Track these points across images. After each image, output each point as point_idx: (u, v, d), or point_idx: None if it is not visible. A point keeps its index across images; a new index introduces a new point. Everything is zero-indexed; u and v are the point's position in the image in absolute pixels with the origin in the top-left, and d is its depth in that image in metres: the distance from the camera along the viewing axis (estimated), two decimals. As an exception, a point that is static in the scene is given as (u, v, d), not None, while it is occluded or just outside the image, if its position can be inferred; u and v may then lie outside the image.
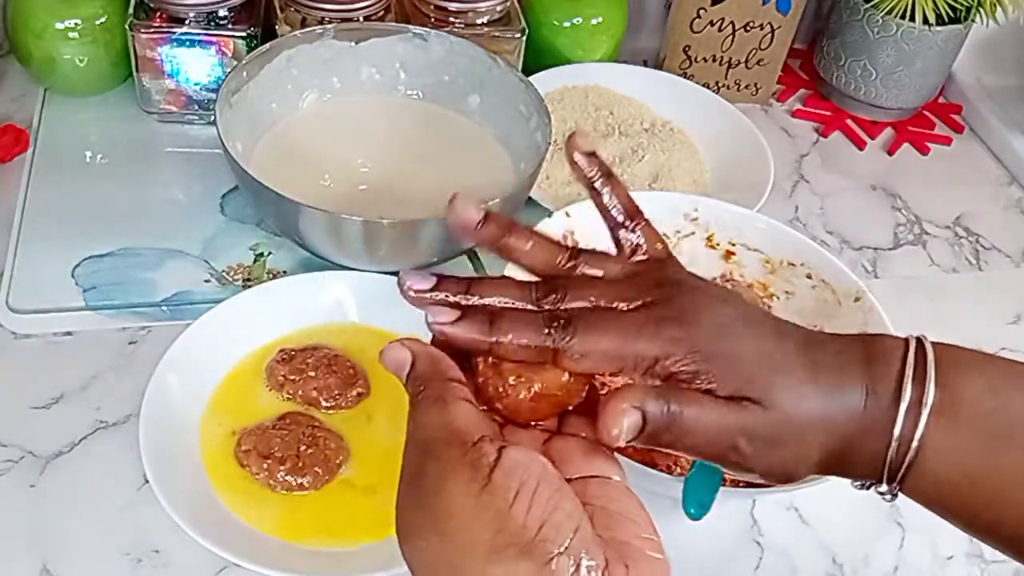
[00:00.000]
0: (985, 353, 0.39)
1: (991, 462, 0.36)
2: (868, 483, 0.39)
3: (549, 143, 0.71)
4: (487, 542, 0.31)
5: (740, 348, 0.37)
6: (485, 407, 0.38)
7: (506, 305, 0.38)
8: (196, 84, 0.81)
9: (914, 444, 0.36)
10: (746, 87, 0.98)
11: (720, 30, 0.93)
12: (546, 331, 0.36)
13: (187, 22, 0.77)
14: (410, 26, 0.78)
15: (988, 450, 0.36)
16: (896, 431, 0.36)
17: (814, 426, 0.37)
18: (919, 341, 0.38)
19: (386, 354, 0.37)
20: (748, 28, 0.93)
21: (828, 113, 0.99)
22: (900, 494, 0.39)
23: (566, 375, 0.37)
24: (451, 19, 0.81)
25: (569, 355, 0.36)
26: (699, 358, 0.36)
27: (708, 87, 0.93)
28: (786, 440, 0.36)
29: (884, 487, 0.38)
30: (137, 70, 0.79)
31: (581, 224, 0.66)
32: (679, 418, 0.35)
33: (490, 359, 0.38)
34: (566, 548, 0.31)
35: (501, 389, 0.37)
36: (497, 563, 0.31)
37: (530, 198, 0.74)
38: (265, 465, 0.58)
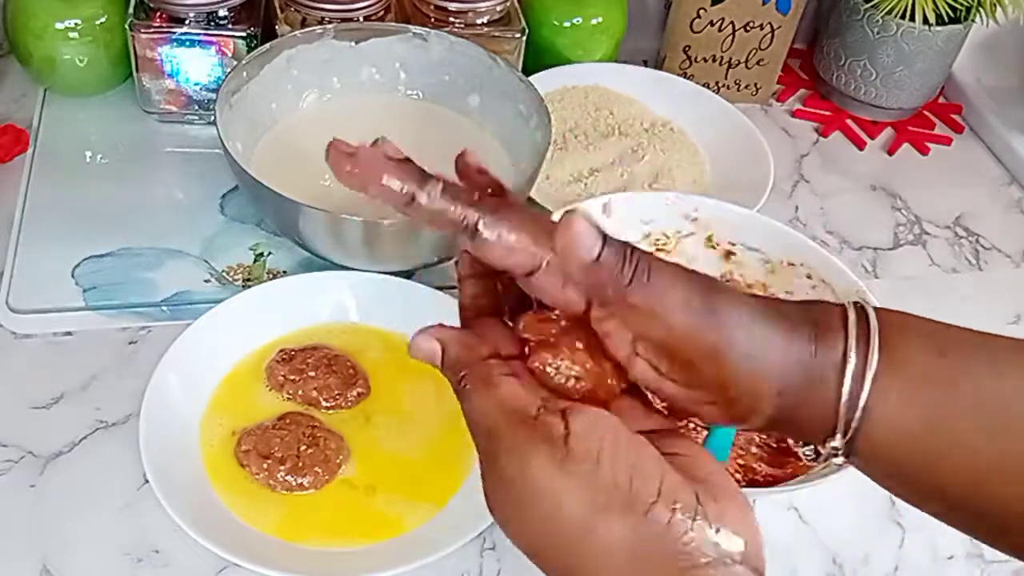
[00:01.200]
0: (929, 319, 0.38)
1: (936, 423, 0.36)
2: (816, 449, 0.38)
3: (549, 143, 0.71)
4: (586, 510, 0.31)
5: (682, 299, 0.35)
6: None
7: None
8: (196, 84, 0.81)
9: (859, 408, 0.35)
10: (746, 87, 0.98)
11: (720, 30, 0.93)
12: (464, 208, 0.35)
13: (187, 22, 0.77)
14: (410, 26, 0.78)
15: (933, 412, 0.36)
16: (844, 396, 0.35)
17: (770, 372, 0.35)
18: (860, 307, 0.37)
19: (415, 346, 0.37)
20: (748, 28, 0.93)
21: (828, 113, 0.99)
22: (851, 464, 0.38)
23: (609, 378, 0.37)
24: (451, 19, 0.81)
25: (479, 234, 0.35)
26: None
27: (708, 87, 0.93)
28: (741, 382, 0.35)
29: (836, 450, 0.37)
30: (137, 70, 0.79)
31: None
32: (644, 264, 0.34)
33: (529, 358, 0.37)
34: (659, 495, 0.32)
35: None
36: (601, 526, 0.31)
37: (530, 198, 0.74)
38: (265, 465, 0.58)
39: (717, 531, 0.32)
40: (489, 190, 0.39)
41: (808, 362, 0.36)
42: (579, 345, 0.37)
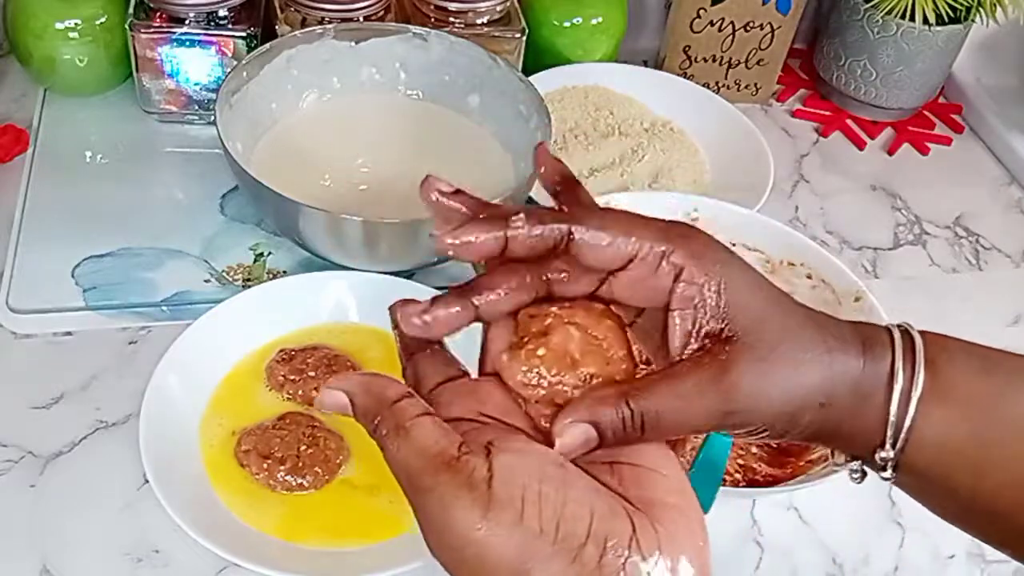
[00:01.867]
0: (973, 343, 0.39)
1: (983, 438, 0.36)
2: (862, 468, 0.39)
3: (549, 143, 0.71)
4: (513, 560, 0.31)
5: (753, 284, 0.36)
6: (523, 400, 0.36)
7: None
8: (196, 84, 0.81)
9: (907, 421, 0.36)
10: (746, 87, 0.98)
11: (720, 30, 0.93)
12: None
13: (187, 22, 0.77)
14: (410, 26, 0.78)
15: (980, 427, 0.36)
16: (892, 411, 0.36)
17: (814, 389, 0.36)
18: (905, 329, 0.38)
19: (322, 401, 0.35)
20: (748, 28, 0.93)
21: (828, 113, 0.99)
22: (894, 484, 0.39)
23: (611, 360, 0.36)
24: (451, 19, 0.81)
25: (580, 234, 0.35)
26: (712, 271, 0.35)
27: (708, 87, 0.93)
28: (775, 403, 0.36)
29: (885, 461, 0.37)
30: (137, 70, 0.79)
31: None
32: (654, 420, 0.34)
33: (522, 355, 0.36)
34: (588, 535, 0.31)
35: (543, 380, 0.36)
36: (529, 574, 0.31)
37: (530, 198, 0.74)
38: (265, 465, 0.58)
39: (655, 563, 0.31)
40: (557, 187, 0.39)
41: (857, 376, 0.36)
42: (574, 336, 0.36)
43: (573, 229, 0.35)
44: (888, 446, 0.36)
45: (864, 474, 0.39)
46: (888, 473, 0.37)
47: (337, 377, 0.36)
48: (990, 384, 0.37)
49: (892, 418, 0.36)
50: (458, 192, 0.37)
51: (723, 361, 0.35)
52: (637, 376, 0.36)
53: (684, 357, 0.36)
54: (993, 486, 0.37)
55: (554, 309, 0.37)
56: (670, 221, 0.37)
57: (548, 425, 0.35)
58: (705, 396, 0.34)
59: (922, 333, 0.38)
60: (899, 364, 0.36)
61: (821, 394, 0.36)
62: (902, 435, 0.36)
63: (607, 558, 0.31)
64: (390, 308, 0.36)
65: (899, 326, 0.38)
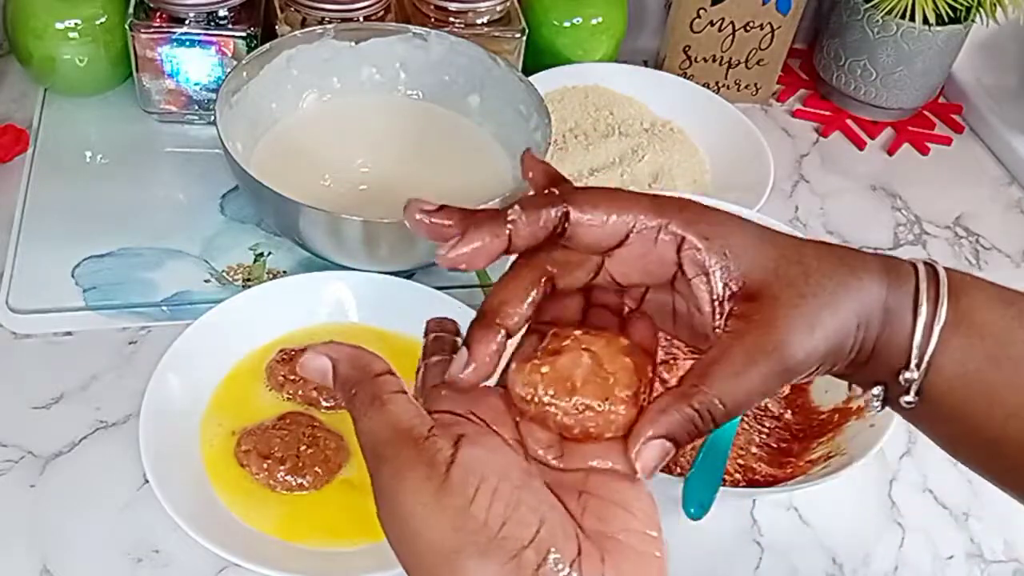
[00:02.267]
0: (992, 285, 0.39)
1: (1003, 356, 0.37)
2: (882, 394, 0.39)
3: (549, 143, 0.71)
4: (448, 541, 0.31)
5: (757, 238, 0.37)
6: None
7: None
8: (196, 84, 0.81)
9: (928, 352, 0.37)
10: (746, 87, 0.98)
11: (720, 30, 0.93)
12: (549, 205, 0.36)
13: (187, 22, 0.77)
14: (410, 26, 0.78)
15: (1000, 349, 0.37)
16: (917, 331, 0.37)
17: (852, 315, 0.36)
18: (929, 263, 0.38)
19: (304, 363, 0.36)
20: (748, 28, 0.93)
21: (828, 113, 0.99)
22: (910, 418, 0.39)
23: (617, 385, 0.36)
24: (451, 19, 0.81)
25: (576, 212, 0.36)
26: (713, 234, 0.36)
27: (708, 87, 0.93)
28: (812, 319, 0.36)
29: (909, 382, 0.38)
30: (137, 70, 0.79)
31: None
32: (715, 412, 0.34)
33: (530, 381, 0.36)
34: (532, 541, 0.31)
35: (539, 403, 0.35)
36: (458, 562, 0.30)
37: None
38: (265, 465, 0.58)
39: None
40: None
41: (885, 297, 0.37)
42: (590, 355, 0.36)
43: (569, 208, 0.36)
44: (913, 366, 0.37)
45: (886, 401, 0.39)
46: (911, 396, 0.37)
47: (325, 343, 0.36)
48: (1008, 314, 0.37)
49: (917, 341, 0.37)
50: (442, 208, 0.36)
51: (760, 322, 0.35)
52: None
53: (720, 329, 0.36)
54: (1004, 414, 0.37)
55: (578, 333, 0.37)
56: (659, 194, 0.37)
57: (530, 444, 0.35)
58: (759, 363, 0.34)
59: (945, 269, 0.39)
60: (923, 294, 0.37)
61: (857, 317, 0.36)
62: (926, 358, 0.37)
63: (545, 568, 0.30)
64: (428, 322, 0.39)
65: (924, 261, 0.38)
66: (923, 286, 0.37)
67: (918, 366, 0.37)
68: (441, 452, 0.32)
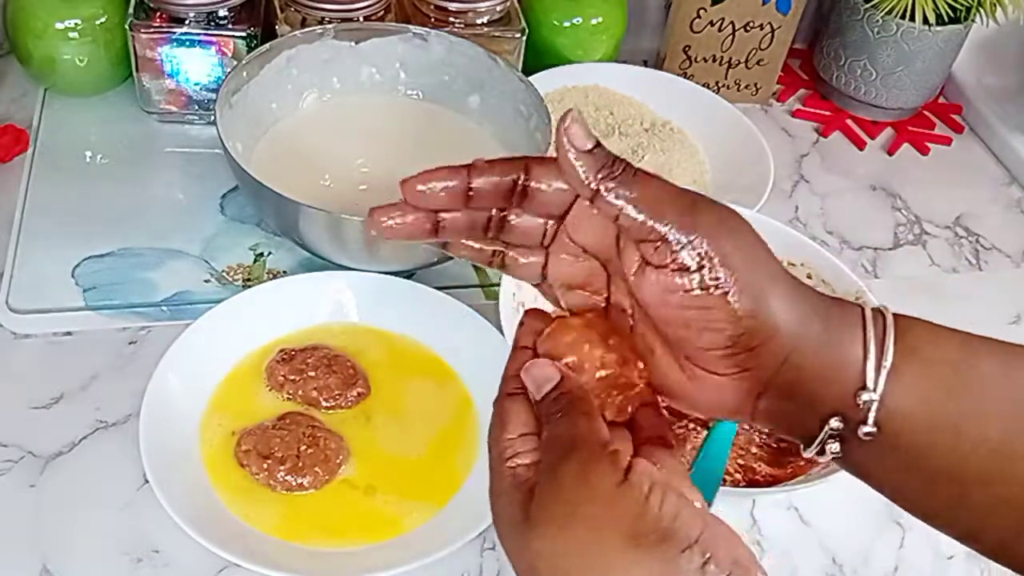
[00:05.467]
0: (938, 324, 0.39)
1: (955, 391, 0.37)
2: (837, 429, 0.38)
3: (549, 143, 0.71)
4: (627, 528, 0.33)
5: (743, 236, 0.37)
6: None
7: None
8: (196, 84, 0.81)
9: (881, 380, 0.36)
10: (746, 87, 0.98)
11: (720, 30, 0.93)
12: None
13: (187, 22, 0.77)
14: (410, 26, 0.78)
15: (951, 384, 0.37)
16: (869, 368, 0.36)
17: (787, 340, 0.36)
18: (876, 310, 0.38)
19: (532, 372, 0.39)
20: (748, 28, 0.93)
21: (828, 113, 0.99)
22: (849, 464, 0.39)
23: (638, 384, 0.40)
24: (451, 19, 0.81)
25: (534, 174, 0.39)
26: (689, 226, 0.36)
27: (708, 87, 0.93)
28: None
29: (837, 446, 0.38)
30: (137, 70, 0.79)
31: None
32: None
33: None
34: (696, 542, 0.33)
35: None
36: (636, 548, 0.33)
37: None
38: (265, 465, 0.58)
39: None
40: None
41: (824, 337, 0.37)
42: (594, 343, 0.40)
43: (528, 167, 0.39)
44: (870, 388, 0.36)
45: (842, 442, 0.38)
46: (871, 425, 0.36)
47: (548, 362, 0.39)
48: (953, 342, 0.38)
49: (871, 363, 0.36)
50: (427, 172, 0.41)
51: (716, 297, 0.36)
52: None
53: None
54: (968, 446, 0.36)
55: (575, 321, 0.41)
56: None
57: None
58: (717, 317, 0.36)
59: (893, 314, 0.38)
60: (869, 324, 0.37)
61: (790, 339, 0.37)
62: (881, 379, 0.36)
63: (709, 568, 0.33)
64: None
65: (874, 308, 0.38)
66: (870, 324, 0.37)
67: (874, 389, 0.36)
68: (622, 457, 0.35)
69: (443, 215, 0.40)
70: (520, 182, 0.39)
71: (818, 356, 0.37)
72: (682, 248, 0.35)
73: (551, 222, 0.40)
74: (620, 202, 0.36)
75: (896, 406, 0.36)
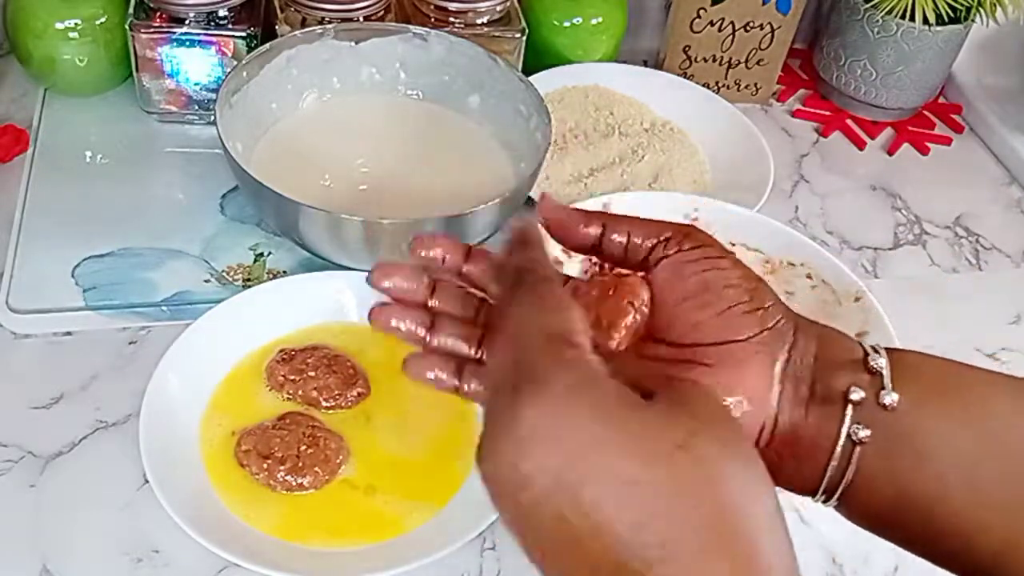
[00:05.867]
0: (934, 358, 0.39)
1: (921, 478, 0.37)
2: (860, 399, 0.38)
3: (549, 143, 0.71)
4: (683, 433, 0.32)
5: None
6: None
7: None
8: (196, 84, 0.81)
9: (849, 472, 0.37)
10: (746, 87, 0.98)
11: (720, 30, 0.93)
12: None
13: (187, 22, 0.77)
14: (410, 26, 0.78)
15: (917, 468, 0.37)
16: (834, 459, 0.38)
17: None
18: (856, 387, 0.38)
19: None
20: (748, 28, 0.93)
21: (828, 113, 0.99)
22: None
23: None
24: (451, 19, 0.81)
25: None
26: None
27: (708, 87, 0.93)
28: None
29: (821, 500, 0.39)
30: (137, 70, 0.79)
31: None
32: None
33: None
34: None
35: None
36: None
37: (529, 198, 0.74)
38: (265, 465, 0.58)
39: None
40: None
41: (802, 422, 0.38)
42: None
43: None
44: (876, 353, 0.38)
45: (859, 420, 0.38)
46: (889, 390, 0.37)
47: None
48: (939, 360, 0.39)
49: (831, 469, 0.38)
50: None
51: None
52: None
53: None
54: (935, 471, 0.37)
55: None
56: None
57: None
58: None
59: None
60: (847, 416, 0.37)
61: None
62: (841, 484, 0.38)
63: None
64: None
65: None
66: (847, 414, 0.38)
67: (878, 352, 0.38)
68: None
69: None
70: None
71: (820, 338, 0.39)
72: (687, 235, 0.39)
73: None
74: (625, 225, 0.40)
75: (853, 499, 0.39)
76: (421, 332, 0.42)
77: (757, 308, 0.38)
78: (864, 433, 0.37)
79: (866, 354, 0.38)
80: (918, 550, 0.39)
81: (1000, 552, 0.36)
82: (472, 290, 0.42)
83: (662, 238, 0.40)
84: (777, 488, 0.34)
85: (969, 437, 0.36)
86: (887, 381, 0.37)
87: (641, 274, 0.40)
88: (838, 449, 0.37)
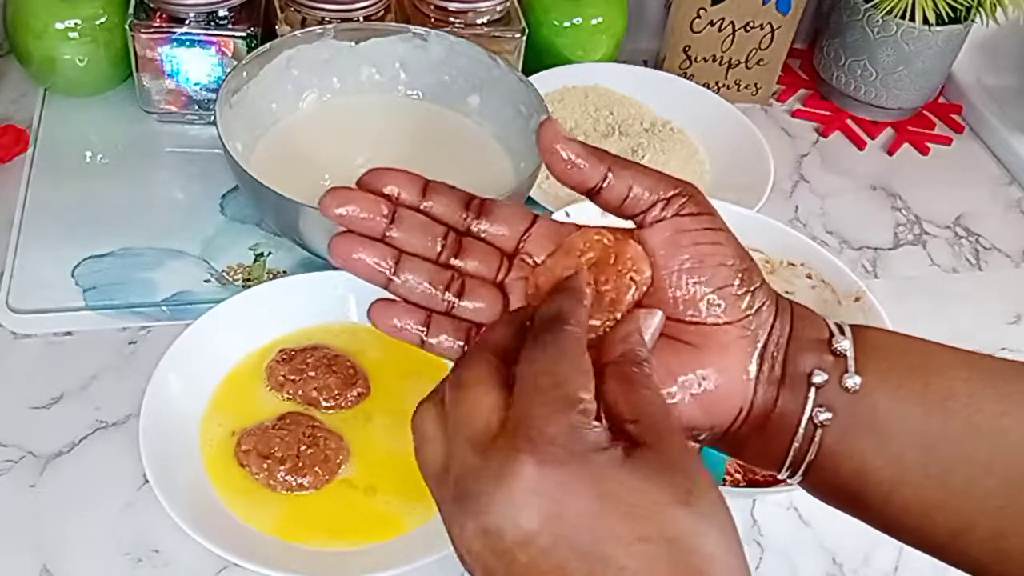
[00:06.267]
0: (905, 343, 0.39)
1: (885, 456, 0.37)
2: (822, 382, 0.38)
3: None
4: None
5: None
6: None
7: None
8: (196, 84, 0.81)
9: (811, 452, 0.37)
10: (746, 87, 0.98)
11: (720, 30, 0.93)
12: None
13: (187, 22, 0.77)
14: (410, 26, 0.78)
15: (877, 448, 0.37)
16: (796, 440, 0.37)
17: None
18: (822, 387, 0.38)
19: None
20: (748, 28, 0.93)
21: (828, 113, 0.99)
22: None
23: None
24: (451, 19, 0.81)
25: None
26: None
27: (708, 87, 0.93)
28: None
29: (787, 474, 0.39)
30: (137, 70, 0.79)
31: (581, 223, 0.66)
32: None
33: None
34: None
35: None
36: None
37: (530, 198, 0.74)
38: (265, 465, 0.58)
39: None
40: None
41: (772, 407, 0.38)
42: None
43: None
44: (840, 335, 0.38)
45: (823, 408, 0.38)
46: (852, 374, 0.37)
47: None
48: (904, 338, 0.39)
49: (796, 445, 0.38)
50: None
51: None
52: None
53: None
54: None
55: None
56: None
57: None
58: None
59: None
60: (809, 400, 0.37)
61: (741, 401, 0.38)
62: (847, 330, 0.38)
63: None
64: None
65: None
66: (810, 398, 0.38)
67: (843, 332, 0.38)
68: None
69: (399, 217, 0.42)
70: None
71: (793, 316, 0.39)
72: (690, 196, 0.39)
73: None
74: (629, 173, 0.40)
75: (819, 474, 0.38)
76: (384, 267, 0.41)
77: (746, 291, 0.37)
78: (825, 416, 0.37)
79: (831, 335, 0.38)
80: (879, 526, 0.39)
81: (957, 531, 0.37)
82: (434, 220, 0.42)
83: (664, 196, 0.39)
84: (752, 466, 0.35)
85: (928, 417, 0.37)
86: (851, 364, 0.37)
87: (632, 226, 0.40)
88: (800, 431, 0.37)
